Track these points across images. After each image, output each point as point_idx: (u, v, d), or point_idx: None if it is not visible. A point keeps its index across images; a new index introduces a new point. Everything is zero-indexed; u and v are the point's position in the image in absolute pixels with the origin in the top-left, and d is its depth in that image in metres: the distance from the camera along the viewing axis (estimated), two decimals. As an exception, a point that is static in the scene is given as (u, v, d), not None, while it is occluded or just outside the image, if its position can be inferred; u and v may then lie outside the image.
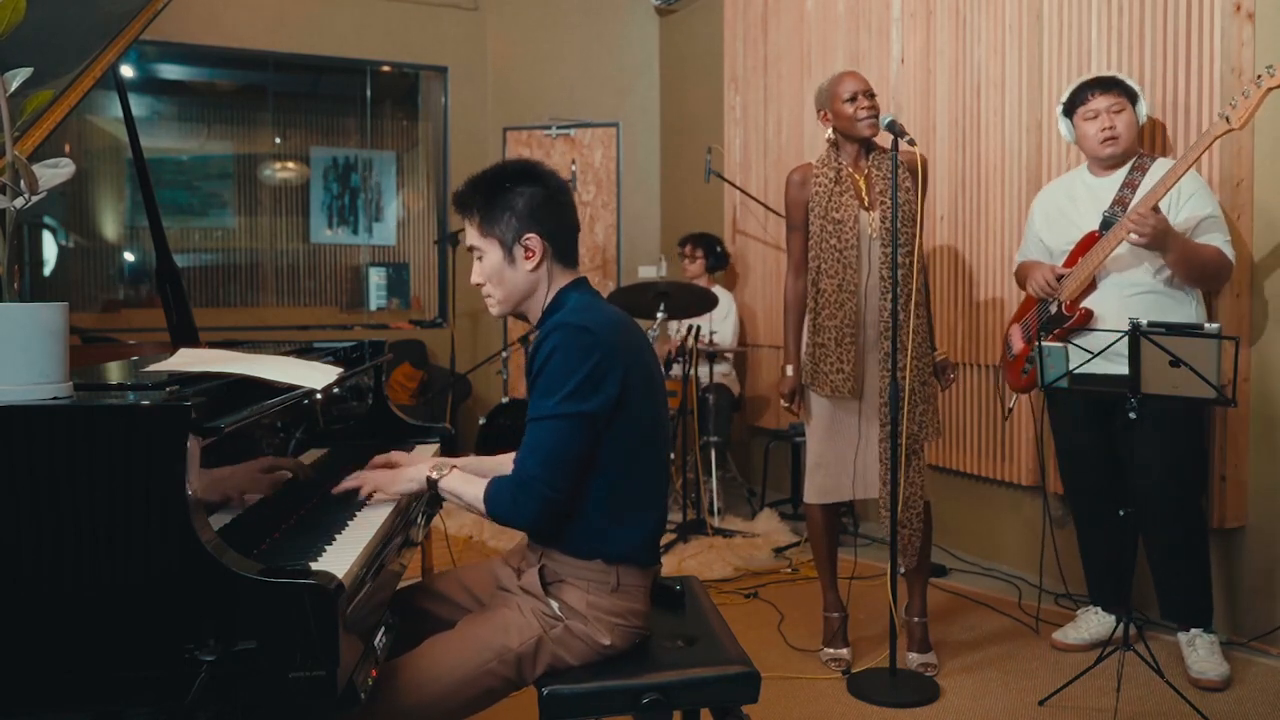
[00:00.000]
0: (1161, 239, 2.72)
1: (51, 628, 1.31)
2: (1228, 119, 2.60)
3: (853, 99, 2.91)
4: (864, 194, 2.95)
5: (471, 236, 1.84)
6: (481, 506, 1.76)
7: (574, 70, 6.57)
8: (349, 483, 1.91)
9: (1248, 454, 3.08)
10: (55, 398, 1.34)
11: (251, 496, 1.67)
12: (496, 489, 1.75)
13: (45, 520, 1.30)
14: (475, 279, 1.86)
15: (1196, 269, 2.81)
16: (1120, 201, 2.91)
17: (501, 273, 1.82)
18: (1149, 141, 3.21)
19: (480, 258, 1.84)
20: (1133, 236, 2.72)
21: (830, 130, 2.99)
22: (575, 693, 1.72)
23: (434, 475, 1.83)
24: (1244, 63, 3.01)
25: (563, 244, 1.84)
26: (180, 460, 1.32)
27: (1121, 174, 2.97)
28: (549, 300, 1.84)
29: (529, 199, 1.79)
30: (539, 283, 1.83)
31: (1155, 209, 2.71)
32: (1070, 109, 3.04)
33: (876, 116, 2.91)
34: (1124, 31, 3.33)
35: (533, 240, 1.79)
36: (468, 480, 1.82)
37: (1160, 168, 2.89)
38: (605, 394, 1.71)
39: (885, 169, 2.93)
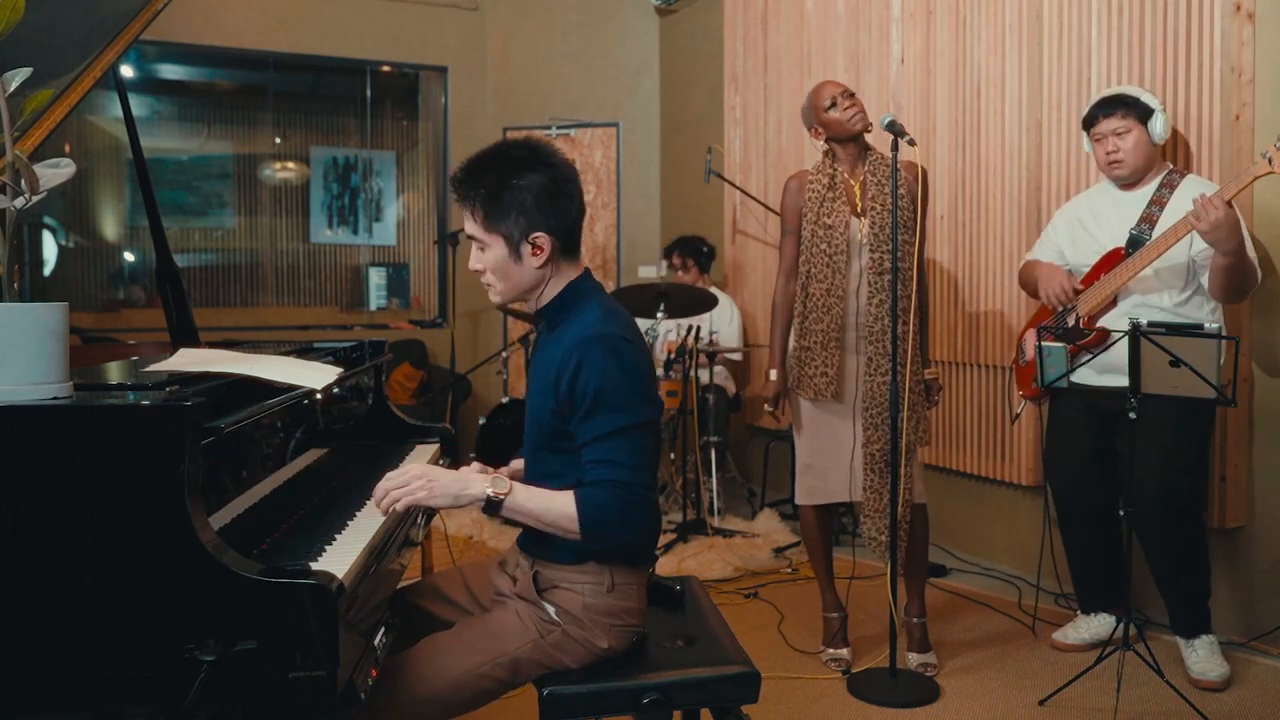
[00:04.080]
0: (1224, 233, 2.58)
1: (52, 627, 1.31)
2: (1270, 160, 2.49)
3: (833, 104, 2.93)
4: (857, 200, 2.96)
5: (473, 229, 1.74)
6: (573, 525, 1.65)
7: (574, 70, 6.57)
8: (390, 484, 1.68)
9: (1247, 454, 3.08)
10: (55, 398, 1.34)
11: (251, 497, 1.67)
12: (596, 505, 1.65)
13: (45, 520, 1.30)
14: (474, 265, 1.78)
15: (1240, 277, 2.71)
16: (1148, 219, 2.87)
17: (506, 268, 1.74)
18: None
19: (482, 249, 1.75)
20: (1196, 223, 2.59)
21: (822, 142, 3.01)
22: (575, 693, 1.71)
23: (493, 494, 1.66)
24: (1244, 63, 3.01)
25: (568, 235, 1.77)
26: (180, 460, 1.32)
27: (1149, 190, 2.92)
28: (555, 294, 1.79)
29: (536, 194, 1.70)
30: (545, 278, 1.77)
31: (1229, 204, 2.57)
32: (1087, 126, 3.01)
33: (862, 111, 2.94)
34: (1124, 31, 3.33)
35: (541, 239, 1.72)
36: (542, 495, 1.69)
37: (1190, 185, 2.85)
38: (655, 399, 1.74)
39: (880, 174, 2.94)
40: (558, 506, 1.67)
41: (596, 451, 1.67)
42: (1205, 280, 2.82)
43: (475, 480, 1.70)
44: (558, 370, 1.70)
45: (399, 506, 1.67)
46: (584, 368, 1.66)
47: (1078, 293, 2.99)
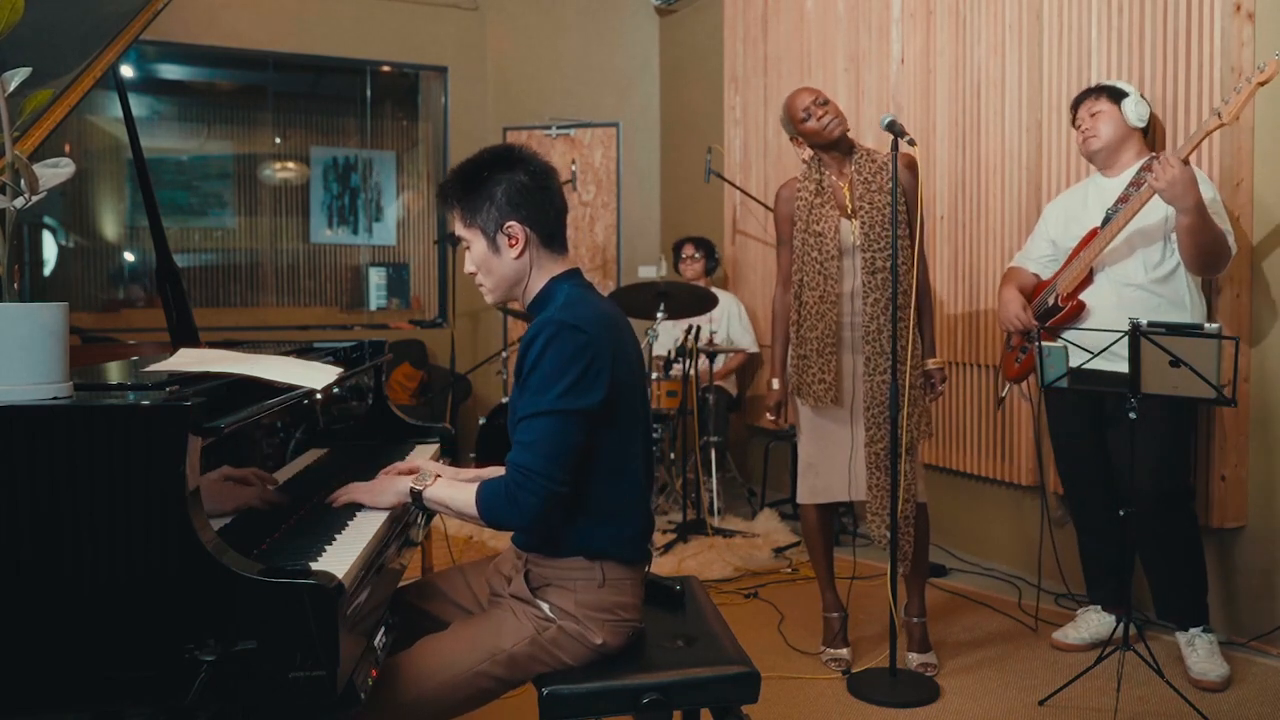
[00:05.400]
0: (1180, 189, 2.63)
1: (52, 628, 1.31)
2: (1219, 114, 2.63)
3: (808, 115, 2.94)
4: (846, 201, 2.96)
5: (457, 228, 1.84)
6: (474, 511, 1.73)
7: (574, 70, 6.57)
8: (337, 494, 1.90)
9: (1248, 454, 3.08)
10: (55, 398, 1.34)
11: (251, 497, 1.67)
12: (490, 490, 1.72)
13: (45, 521, 1.30)
14: (467, 268, 1.85)
15: (1207, 242, 2.73)
16: (1124, 199, 2.93)
17: (488, 262, 1.81)
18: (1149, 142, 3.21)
19: (468, 247, 1.83)
20: (1155, 182, 2.65)
21: (806, 151, 3.01)
22: (575, 693, 1.72)
23: (417, 486, 1.81)
24: (1244, 63, 3.01)
25: (546, 230, 1.81)
26: (180, 460, 1.32)
27: (1130, 173, 2.98)
28: (539, 289, 1.83)
29: (507, 186, 1.77)
30: (525, 270, 1.82)
31: (1185, 161, 2.64)
32: (1074, 121, 3.14)
33: (838, 116, 2.95)
34: (1124, 31, 3.33)
35: (514, 228, 1.77)
36: (455, 486, 1.80)
37: None
38: (597, 393, 1.70)
39: (867, 172, 2.94)
40: (465, 495, 1.75)
41: (516, 433, 1.73)
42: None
43: (405, 479, 1.86)
44: (522, 355, 1.76)
45: (338, 502, 1.86)
46: (530, 349, 1.72)
47: (1025, 324, 3.07)
